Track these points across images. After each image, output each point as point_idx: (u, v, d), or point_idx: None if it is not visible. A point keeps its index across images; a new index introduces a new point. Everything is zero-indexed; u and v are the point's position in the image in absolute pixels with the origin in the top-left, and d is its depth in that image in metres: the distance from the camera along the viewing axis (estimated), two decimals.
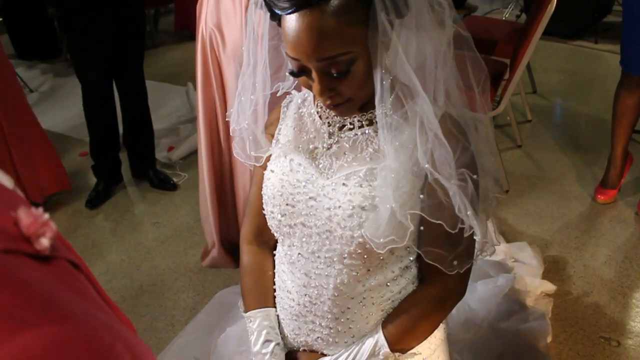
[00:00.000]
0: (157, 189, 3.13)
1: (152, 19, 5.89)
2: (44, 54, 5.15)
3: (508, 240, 2.58)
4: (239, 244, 1.36)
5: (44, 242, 0.42)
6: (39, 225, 0.42)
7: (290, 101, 1.24)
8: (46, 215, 0.44)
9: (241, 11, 1.99)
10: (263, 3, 1.02)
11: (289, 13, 0.95)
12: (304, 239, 1.15)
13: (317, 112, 1.17)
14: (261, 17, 1.11)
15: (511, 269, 2.28)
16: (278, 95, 1.24)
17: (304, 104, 1.21)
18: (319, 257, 1.14)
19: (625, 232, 2.74)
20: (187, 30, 5.80)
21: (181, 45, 5.74)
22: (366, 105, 1.10)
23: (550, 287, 2.26)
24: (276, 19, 1.01)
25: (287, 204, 1.14)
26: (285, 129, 1.20)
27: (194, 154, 3.41)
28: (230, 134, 1.29)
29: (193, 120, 3.79)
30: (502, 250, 2.39)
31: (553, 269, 2.48)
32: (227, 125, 2.19)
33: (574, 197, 3.02)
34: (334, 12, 0.93)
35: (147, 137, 3.15)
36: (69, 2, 2.67)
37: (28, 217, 0.42)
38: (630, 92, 2.73)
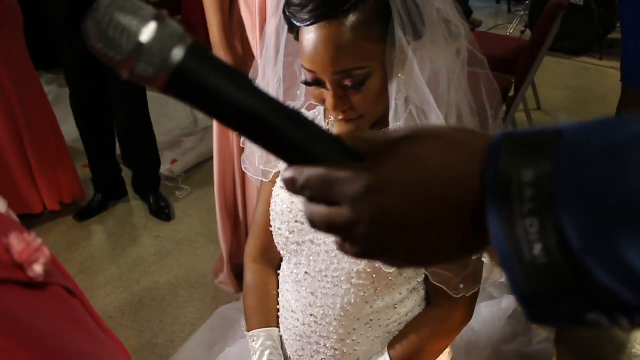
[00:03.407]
0: (153, 215, 2.98)
1: None
2: (48, 64, 5.15)
3: None
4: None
5: (37, 269, 0.40)
6: (32, 251, 0.41)
7: None
8: (39, 241, 0.42)
9: (254, 21, 1.95)
10: (282, 16, 1.01)
11: (308, 25, 0.94)
12: (311, 257, 1.13)
13: (328, 130, 1.15)
14: (279, 30, 1.11)
15: None
16: None
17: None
18: (326, 276, 1.11)
19: None
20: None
21: None
22: (378, 124, 1.08)
23: None
24: (294, 31, 1.00)
25: (296, 221, 1.12)
26: None
27: (197, 167, 3.38)
28: (241, 144, 1.27)
29: (196, 133, 3.77)
30: None
31: None
32: (239, 152, 2.15)
33: None
34: (353, 26, 0.93)
35: (147, 160, 2.96)
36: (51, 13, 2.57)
37: (20, 243, 0.40)
38: (630, 108, 2.72)
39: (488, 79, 1.12)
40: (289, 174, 0.46)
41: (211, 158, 3.38)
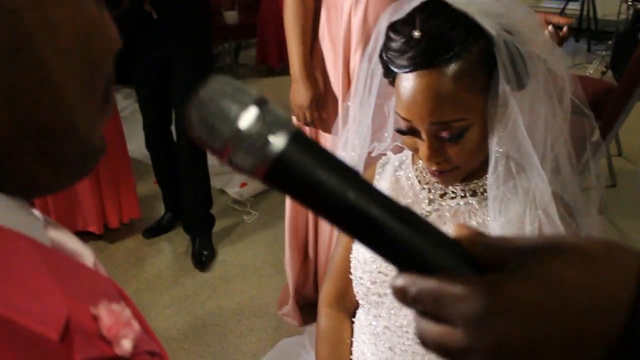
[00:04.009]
0: (192, 260, 2.85)
1: (232, 52, 6.01)
2: (127, 79, 5.31)
3: None
4: (316, 305, 1.30)
5: (126, 345, 0.38)
6: (121, 326, 0.38)
7: (386, 163, 1.18)
8: (127, 312, 0.40)
9: (337, 55, 1.94)
10: (378, 59, 0.98)
11: (407, 72, 0.90)
12: (392, 311, 1.08)
13: (416, 177, 1.11)
14: (372, 73, 1.08)
15: None
16: (373, 155, 1.19)
17: (401, 166, 1.15)
18: (407, 332, 1.06)
19: None
20: (266, 64, 5.89)
21: (260, 79, 5.82)
22: (470, 175, 1.04)
23: None
24: (390, 76, 0.97)
25: (379, 272, 1.07)
26: None
27: (265, 192, 3.39)
28: None
29: None
30: None
31: None
32: None
33: None
34: (454, 76, 0.88)
35: (198, 200, 2.84)
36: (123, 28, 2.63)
37: (109, 316, 0.38)
38: None
39: (578, 125, 1.07)
40: (399, 282, 0.40)
41: None
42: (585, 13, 6.33)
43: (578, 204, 1.03)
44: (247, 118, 0.37)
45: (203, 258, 2.81)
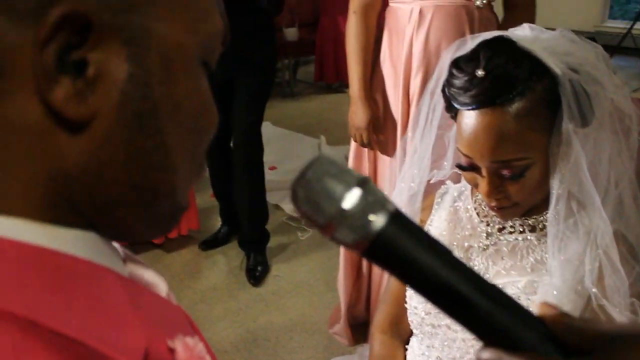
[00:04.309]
0: (246, 274, 2.89)
1: (291, 68, 6.10)
2: None
3: None
4: (367, 325, 1.31)
5: None
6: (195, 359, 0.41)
7: (446, 192, 1.18)
8: (200, 346, 0.43)
9: (397, 78, 1.95)
10: (441, 94, 0.99)
11: (470, 109, 0.91)
12: (446, 343, 1.08)
13: (475, 209, 1.11)
14: (436, 107, 1.09)
15: None
16: (431, 182, 1.20)
17: (460, 197, 1.15)
18: None
19: None
20: (324, 81, 5.96)
21: (318, 96, 5.89)
22: (531, 210, 1.03)
23: None
24: (452, 112, 0.98)
25: None
26: (438, 221, 1.15)
27: None
28: None
29: None
30: None
31: None
32: None
33: None
34: (517, 115, 0.88)
35: (253, 216, 2.88)
36: None
37: (185, 350, 0.41)
38: None
39: None
40: (485, 356, 0.43)
41: None
42: None
43: None
44: (351, 198, 0.41)
45: (257, 273, 2.85)
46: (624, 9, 7.80)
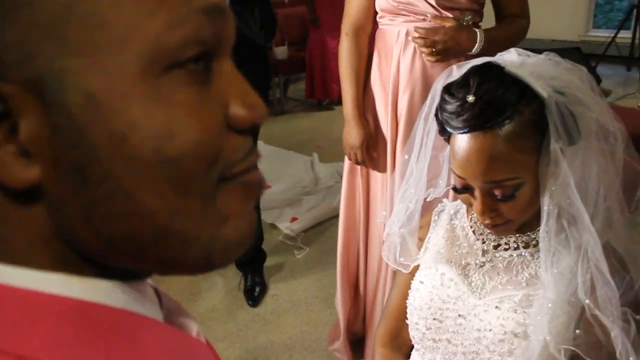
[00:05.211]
0: (245, 295, 2.90)
1: (281, 86, 6.15)
2: None
3: None
4: (365, 341, 1.33)
5: None
6: None
7: (442, 210, 1.22)
8: None
9: (386, 97, 1.99)
10: (434, 118, 1.03)
11: (462, 133, 0.95)
12: (446, 356, 1.11)
13: (471, 227, 1.15)
14: (430, 130, 1.14)
15: None
16: (427, 200, 1.24)
17: (456, 215, 1.19)
18: None
19: None
20: (315, 98, 6.01)
21: (309, 113, 5.94)
22: (524, 227, 1.07)
23: None
24: (445, 135, 1.03)
25: (434, 319, 1.11)
26: (436, 239, 1.19)
27: (316, 227, 3.44)
28: (383, 238, 1.29)
29: (317, 192, 3.85)
30: None
31: None
32: (365, 221, 2.18)
33: None
34: (507, 137, 0.93)
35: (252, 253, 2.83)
36: None
37: None
38: None
39: (629, 165, 1.09)
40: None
41: (331, 219, 3.46)
42: (637, 41, 6.24)
43: (632, 255, 1.05)
44: None
45: (255, 294, 2.88)
46: (607, 17, 7.93)
